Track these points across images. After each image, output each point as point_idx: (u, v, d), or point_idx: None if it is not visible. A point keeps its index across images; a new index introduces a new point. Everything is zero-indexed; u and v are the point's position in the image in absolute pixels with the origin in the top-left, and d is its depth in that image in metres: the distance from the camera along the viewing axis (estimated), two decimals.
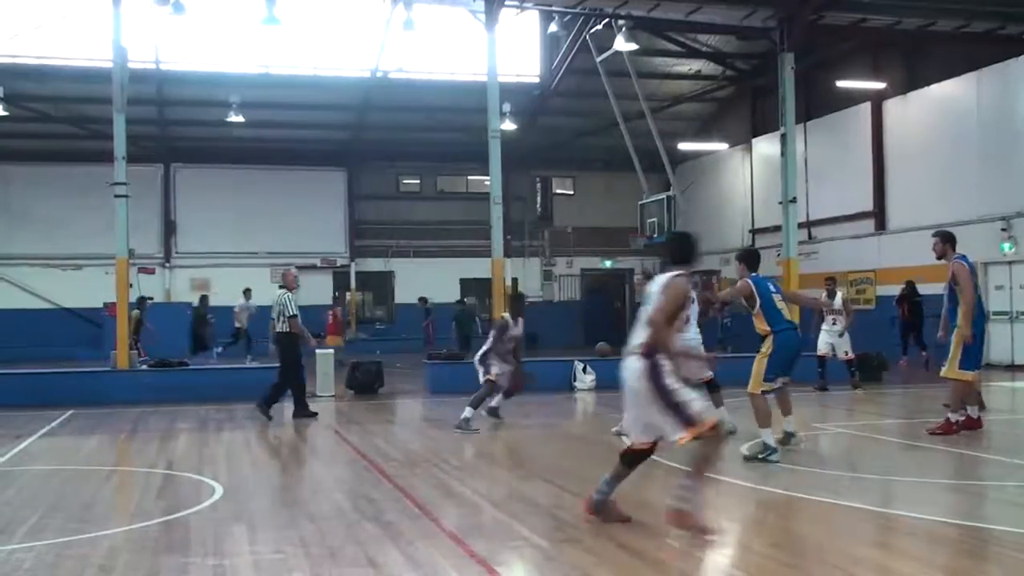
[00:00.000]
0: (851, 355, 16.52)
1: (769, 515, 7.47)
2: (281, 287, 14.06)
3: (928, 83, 24.35)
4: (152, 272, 31.08)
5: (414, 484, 8.48)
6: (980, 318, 10.89)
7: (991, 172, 22.25)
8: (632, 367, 6.52)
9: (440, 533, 6.66)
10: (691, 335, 10.00)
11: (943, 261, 11.07)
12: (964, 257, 10.94)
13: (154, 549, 6.34)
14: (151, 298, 26.13)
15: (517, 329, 12.84)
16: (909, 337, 21.21)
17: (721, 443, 6.81)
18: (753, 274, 9.79)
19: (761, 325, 9.55)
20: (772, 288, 9.78)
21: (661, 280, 6.68)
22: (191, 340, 26.05)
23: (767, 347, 9.52)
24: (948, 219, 22.72)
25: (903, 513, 7.37)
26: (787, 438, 9.89)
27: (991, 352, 22.04)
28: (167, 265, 31.89)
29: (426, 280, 31.93)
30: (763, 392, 9.49)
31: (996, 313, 21.64)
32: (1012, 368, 21.12)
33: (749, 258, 9.97)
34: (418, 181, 35.30)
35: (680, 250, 6.96)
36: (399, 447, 11.21)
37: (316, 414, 13.82)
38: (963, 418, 10.86)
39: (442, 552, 6.15)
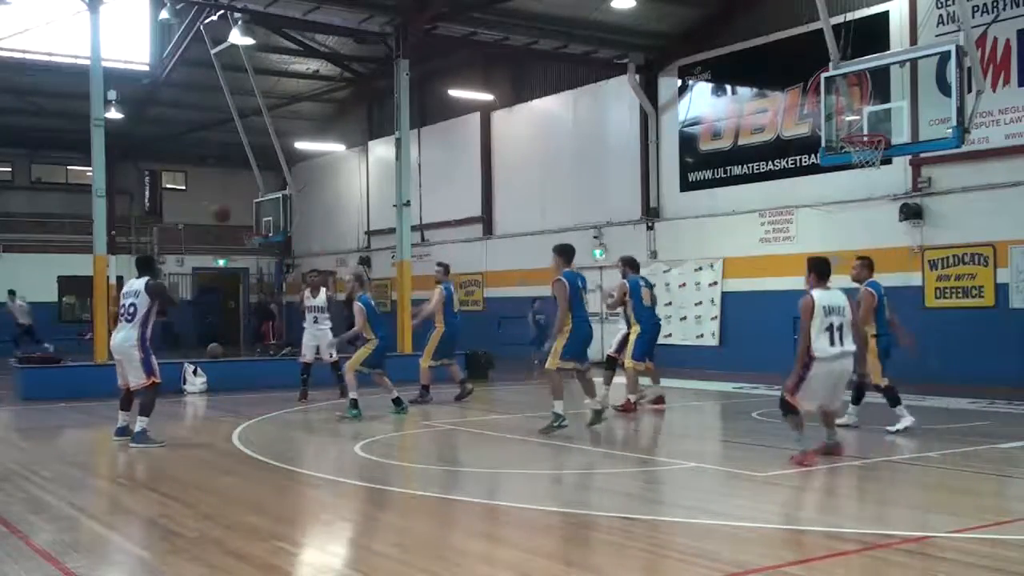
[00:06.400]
0: (335, 357, 15.22)
1: (384, 513, 7.60)
2: None
3: (531, 98, 26.01)
4: None
5: (1, 500, 7.77)
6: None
7: (585, 184, 24.17)
8: None
9: (31, 552, 6.14)
10: None
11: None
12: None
13: None
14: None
15: None
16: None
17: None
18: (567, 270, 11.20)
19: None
20: (580, 283, 11.37)
21: None
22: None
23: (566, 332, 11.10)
24: (548, 226, 24.52)
25: (508, 504, 7.80)
26: (596, 416, 11.30)
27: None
28: None
29: (19, 276, 29.44)
30: (558, 369, 11.04)
31: (590, 314, 23.49)
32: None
33: (566, 252, 11.37)
34: (9, 169, 32.43)
35: None
36: None
37: None
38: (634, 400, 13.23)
39: (33, 572, 5.67)
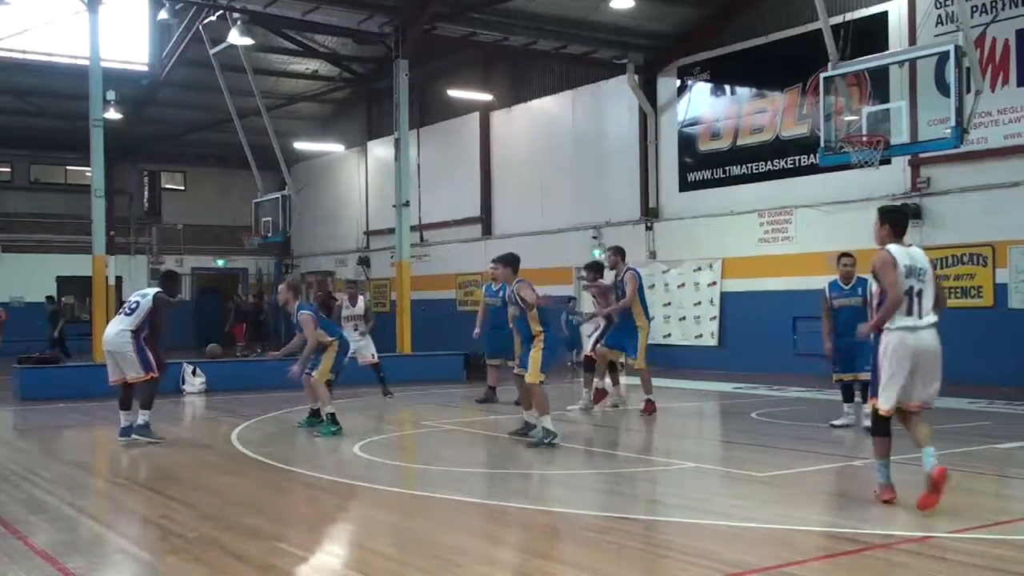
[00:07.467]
0: (377, 359, 15.35)
1: (384, 513, 7.60)
2: None
3: (530, 98, 26.00)
4: None
5: (1, 500, 7.77)
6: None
7: (583, 184, 24.17)
8: None
9: (30, 552, 6.14)
10: None
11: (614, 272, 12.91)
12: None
13: None
14: None
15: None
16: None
17: None
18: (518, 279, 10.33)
19: (535, 326, 10.15)
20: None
21: None
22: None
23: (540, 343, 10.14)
24: (547, 227, 24.53)
25: (507, 504, 7.79)
26: (527, 428, 10.52)
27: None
28: None
29: (19, 276, 29.47)
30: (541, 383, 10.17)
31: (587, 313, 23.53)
32: None
33: (515, 262, 10.58)
34: (9, 169, 32.44)
35: None
36: None
37: None
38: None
39: (33, 573, 5.67)
